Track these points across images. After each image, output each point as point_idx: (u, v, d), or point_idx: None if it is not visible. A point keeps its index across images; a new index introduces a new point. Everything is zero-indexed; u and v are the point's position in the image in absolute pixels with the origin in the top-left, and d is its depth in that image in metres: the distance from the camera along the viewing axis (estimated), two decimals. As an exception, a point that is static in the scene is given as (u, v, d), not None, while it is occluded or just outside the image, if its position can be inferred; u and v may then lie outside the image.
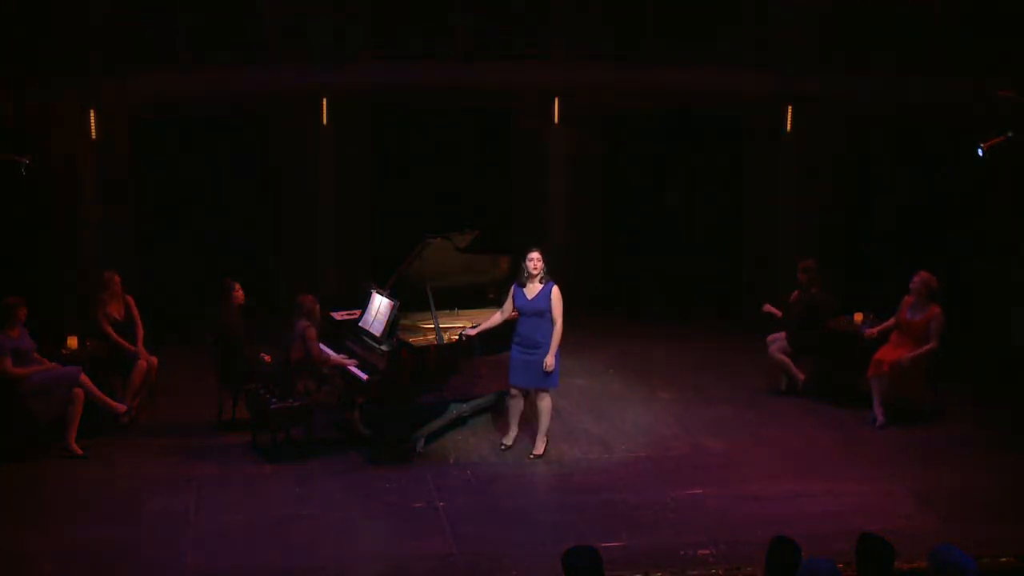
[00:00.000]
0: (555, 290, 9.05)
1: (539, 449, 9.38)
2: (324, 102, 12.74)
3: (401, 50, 12.45)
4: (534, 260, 9.05)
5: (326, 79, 12.36)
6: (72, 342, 9.87)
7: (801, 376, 10.69)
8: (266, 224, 13.02)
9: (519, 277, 9.14)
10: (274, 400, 9.21)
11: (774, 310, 10.81)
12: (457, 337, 9.41)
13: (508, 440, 9.48)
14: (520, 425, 9.49)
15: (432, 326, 9.46)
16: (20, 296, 9.42)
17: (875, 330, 10.22)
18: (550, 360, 9.04)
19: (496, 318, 9.24)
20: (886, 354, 9.97)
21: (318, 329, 9.50)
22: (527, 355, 9.10)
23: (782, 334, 10.77)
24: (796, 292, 10.78)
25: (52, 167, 11.26)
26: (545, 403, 9.28)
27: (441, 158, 13.14)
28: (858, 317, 10.65)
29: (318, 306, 9.49)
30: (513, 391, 9.33)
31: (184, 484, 8.80)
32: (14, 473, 8.95)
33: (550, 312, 9.01)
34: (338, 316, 10.09)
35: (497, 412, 10.04)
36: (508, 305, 9.18)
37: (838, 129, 12.75)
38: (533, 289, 9.08)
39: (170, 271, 12.56)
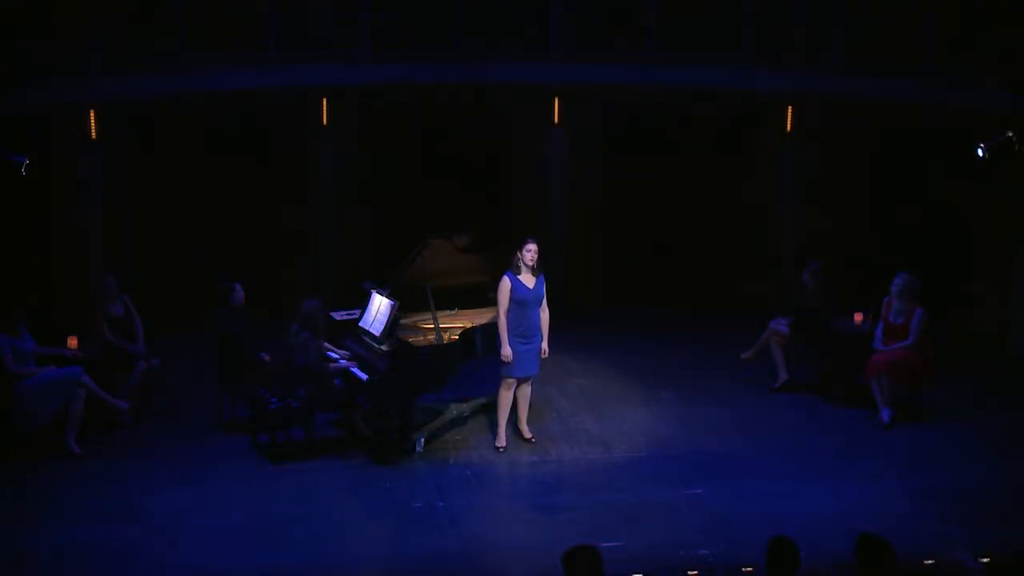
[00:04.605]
0: (543, 277, 9.31)
1: (530, 433, 9.60)
2: (324, 102, 12.74)
3: (400, 50, 12.43)
4: (532, 251, 9.14)
5: (325, 78, 12.35)
6: (72, 342, 9.86)
7: (786, 376, 10.77)
8: (266, 224, 13.00)
9: (512, 268, 9.19)
10: (274, 400, 9.21)
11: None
12: (457, 337, 9.43)
13: (502, 442, 9.49)
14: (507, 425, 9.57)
15: (432, 326, 9.45)
16: (20, 297, 9.41)
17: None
18: (547, 346, 9.37)
19: (502, 317, 9.23)
20: (880, 356, 9.97)
21: (323, 338, 9.50)
22: (529, 344, 9.26)
23: (783, 322, 10.83)
24: (801, 291, 10.81)
25: (52, 167, 11.24)
26: (530, 388, 9.53)
27: (441, 157, 13.13)
28: (858, 317, 10.66)
29: (323, 314, 9.49)
30: (512, 382, 9.33)
31: (184, 484, 8.80)
32: (14, 473, 8.95)
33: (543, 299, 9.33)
34: (338, 316, 10.09)
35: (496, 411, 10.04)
36: (505, 299, 9.19)
37: (838, 131, 12.76)
38: (531, 279, 9.21)
39: (170, 271, 12.54)
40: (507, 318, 9.19)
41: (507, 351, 9.19)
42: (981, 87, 11.11)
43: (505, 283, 9.18)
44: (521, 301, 9.18)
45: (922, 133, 12.17)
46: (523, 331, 9.23)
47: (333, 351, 9.66)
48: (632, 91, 12.85)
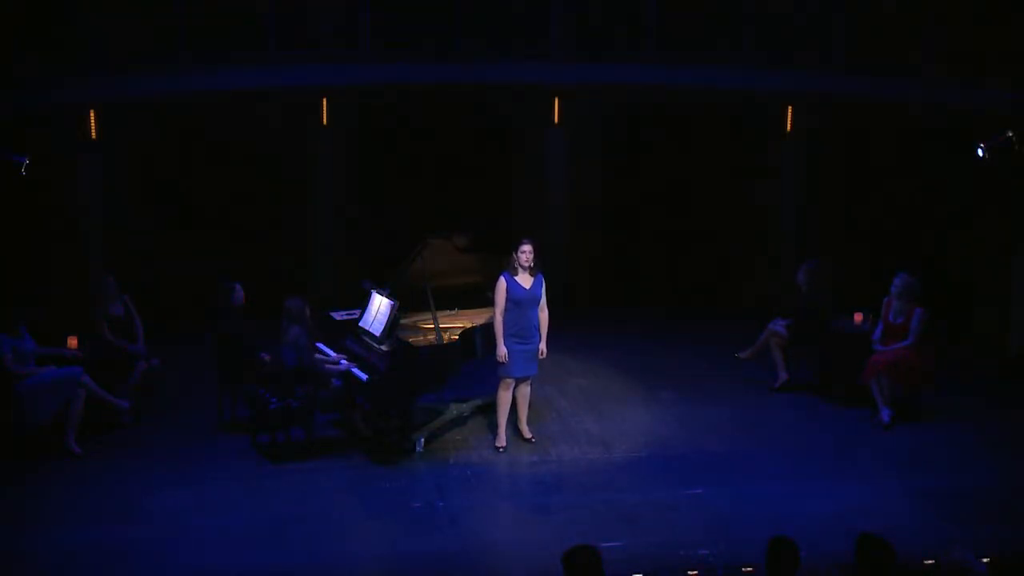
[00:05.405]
0: (542, 277, 9.30)
1: (530, 433, 9.60)
2: (324, 102, 12.74)
3: (400, 50, 12.44)
4: (527, 252, 9.15)
5: (325, 78, 12.36)
6: (72, 342, 9.86)
7: (786, 376, 10.78)
8: (266, 224, 13.01)
9: (508, 268, 9.20)
10: (274, 400, 9.21)
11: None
12: (457, 337, 9.43)
13: (502, 442, 9.49)
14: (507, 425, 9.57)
15: (432, 326, 9.46)
16: (20, 297, 9.41)
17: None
18: (544, 347, 9.35)
19: (498, 317, 9.24)
20: (880, 356, 9.97)
21: (312, 331, 9.50)
22: (526, 345, 9.25)
23: (782, 323, 10.83)
24: (797, 292, 10.82)
25: (52, 167, 11.24)
26: (529, 388, 9.51)
27: (441, 157, 13.13)
28: (858, 317, 10.67)
29: (308, 308, 9.48)
30: (510, 382, 9.33)
31: (184, 484, 8.80)
32: (14, 473, 8.95)
33: (541, 299, 9.30)
34: (338, 316, 10.09)
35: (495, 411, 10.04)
36: (501, 299, 9.20)
37: (838, 129, 12.77)
38: (527, 279, 9.21)
39: (170, 271, 12.54)
40: (503, 318, 9.19)
41: (502, 351, 9.19)
42: (981, 87, 11.10)
43: (501, 284, 9.19)
44: (517, 301, 9.18)
45: (922, 133, 12.17)
46: (520, 331, 9.22)
47: (327, 350, 9.66)
48: (632, 91, 12.85)
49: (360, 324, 9.69)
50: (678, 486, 8.86)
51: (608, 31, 12.76)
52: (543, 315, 9.34)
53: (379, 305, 9.50)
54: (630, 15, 12.71)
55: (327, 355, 9.62)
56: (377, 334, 9.39)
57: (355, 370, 9.39)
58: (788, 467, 9.24)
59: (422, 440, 9.49)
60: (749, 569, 7.31)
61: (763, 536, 5.55)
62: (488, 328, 9.40)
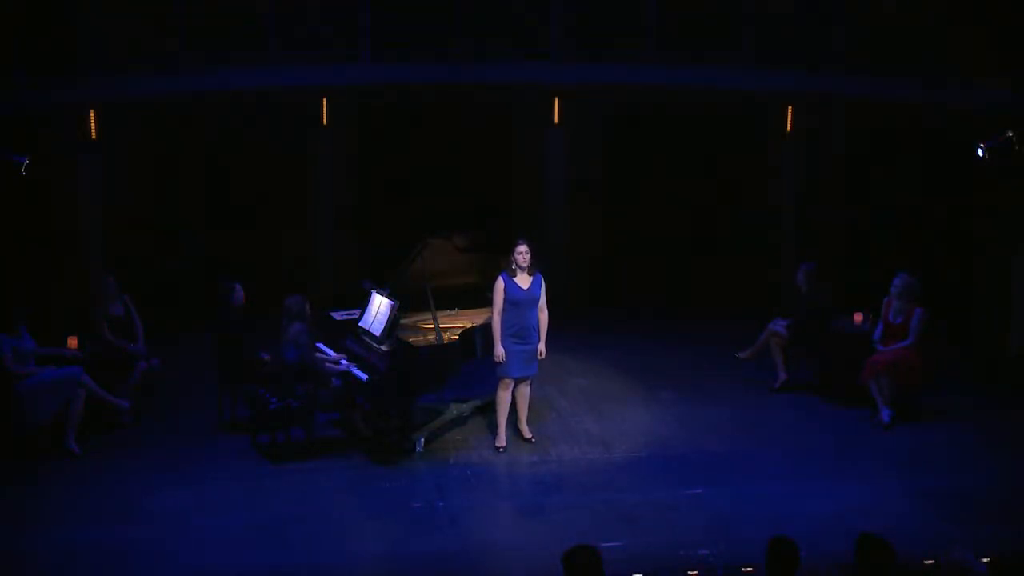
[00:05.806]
0: (541, 278, 9.29)
1: (530, 433, 9.59)
2: (324, 102, 12.74)
3: (400, 50, 12.43)
4: (523, 253, 9.16)
5: (325, 78, 12.36)
6: (72, 342, 9.86)
7: (785, 376, 10.78)
8: (265, 223, 13.01)
9: (507, 269, 9.20)
10: (274, 400, 9.21)
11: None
12: (457, 337, 9.43)
13: (502, 442, 9.49)
14: (507, 425, 9.56)
15: (432, 326, 9.45)
16: (20, 297, 9.40)
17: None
18: (543, 347, 9.33)
19: (495, 317, 9.23)
20: (880, 356, 9.97)
21: (312, 327, 9.50)
22: (524, 345, 9.25)
23: (782, 323, 10.83)
24: (797, 292, 10.82)
25: (52, 167, 11.24)
26: (529, 388, 9.51)
27: (440, 157, 13.13)
28: (858, 317, 10.67)
29: (308, 305, 9.47)
30: (508, 382, 9.34)
31: (184, 484, 8.80)
32: (14, 473, 8.94)
33: (539, 300, 9.29)
34: (338, 316, 10.09)
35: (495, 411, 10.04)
36: (498, 299, 9.19)
37: (839, 129, 12.76)
38: (525, 280, 9.21)
39: (170, 271, 12.54)
40: (501, 319, 9.19)
41: (499, 351, 9.19)
42: (981, 87, 11.10)
43: (499, 284, 9.19)
44: (515, 302, 9.18)
45: (922, 133, 12.17)
46: (518, 332, 9.22)
47: (327, 350, 9.66)
48: (632, 91, 12.85)
49: (360, 324, 9.69)
50: (678, 486, 8.87)
51: (608, 31, 12.75)
52: (542, 316, 9.33)
53: (379, 305, 9.50)
54: (630, 15, 12.71)
55: (327, 355, 9.62)
56: (377, 334, 9.39)
57: (355, 370, 9.39)
58: (788, 467, 9.25)
59: (422, 440, 9.49)
60: (749, 569, 7.31)
61: (763, 536, 5.55)
62: (488, 328, 9.40)
